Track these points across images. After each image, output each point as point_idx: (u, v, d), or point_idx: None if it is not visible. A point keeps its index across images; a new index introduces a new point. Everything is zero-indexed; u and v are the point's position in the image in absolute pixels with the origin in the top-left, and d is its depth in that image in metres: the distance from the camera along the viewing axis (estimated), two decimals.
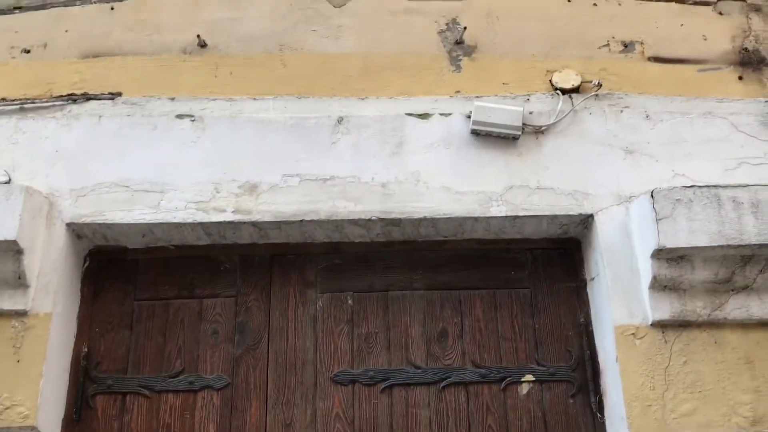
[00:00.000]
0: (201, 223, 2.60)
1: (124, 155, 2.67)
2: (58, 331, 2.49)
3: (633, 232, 2.54)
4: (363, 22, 2.95)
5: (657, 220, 2.40)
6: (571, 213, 2.61)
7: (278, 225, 2.62)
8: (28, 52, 2.89)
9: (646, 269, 2.46)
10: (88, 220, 2.57)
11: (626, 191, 2.63)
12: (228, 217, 2.59)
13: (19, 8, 2.97)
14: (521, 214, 2.60)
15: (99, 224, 2.58)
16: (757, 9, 2.98)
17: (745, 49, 2.91)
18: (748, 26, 2.95)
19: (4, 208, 2.41)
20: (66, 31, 2.92)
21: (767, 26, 2.95)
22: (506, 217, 2.60)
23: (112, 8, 2.97)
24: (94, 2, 2.98)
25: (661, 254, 2.39)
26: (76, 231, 2.61)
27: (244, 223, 2.60)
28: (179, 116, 2.74)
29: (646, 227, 2.45)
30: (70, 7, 2.96)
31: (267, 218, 2.59)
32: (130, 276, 2.74)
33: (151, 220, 2.58)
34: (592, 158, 2.68)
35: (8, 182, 2.57)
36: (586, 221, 2.64)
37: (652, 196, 2.44)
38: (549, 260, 2.77)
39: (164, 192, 2.61)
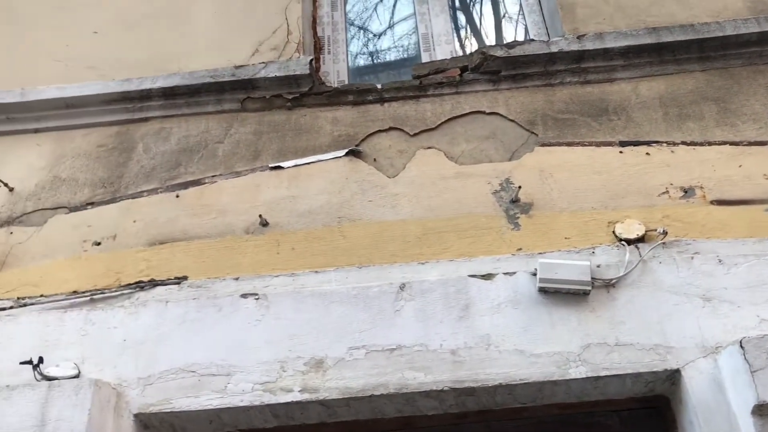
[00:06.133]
0: (269, 405, 2.52)
1: (190, 339, 2.66)
2: None
3: (726, 387, 2.35)
4: (417, 190, 3.01)
5: (752, 372, 2.23)
6: (655, 369, 2.45)
7: (347, 402, 2.52)
8: (99, 244, 3.00)
9: (747, 427, 2.25)
10: (155, 409, 2.53)
11: (711, 342, 2.47)
12: (296, 397, 2.51)
13: (92, 204, 3.13)
14: (602, 374, 2.45)
15: (166, 413, 2.53)
16: None
17: None
18: None
19: (73, 403, 2.40)
20: (134, 221, 3.04)
21: None
22: (587, 378, 2.46)
23: (177, 196, 3.10)
24: (160, 192, 3.12)
25: (762, 410, 2.20)
26: (144, 421, 2.55)
27: (312, 402, 2.51)
28: (243, 296, 2.75)
29: (740, 381, 2.27)
30: (137, 198, 3.11)
31: (335, 395, 2.50)
32: None
33: (218, 405, 2.52)
34: (669, 309, 2.56)
35: (77, 376, 2.56)
36: (672, 377, 2.47)
37: (741, 346, 2.29)
38: (637, 422, 2.58)
39: (230, 375, 2.57)
